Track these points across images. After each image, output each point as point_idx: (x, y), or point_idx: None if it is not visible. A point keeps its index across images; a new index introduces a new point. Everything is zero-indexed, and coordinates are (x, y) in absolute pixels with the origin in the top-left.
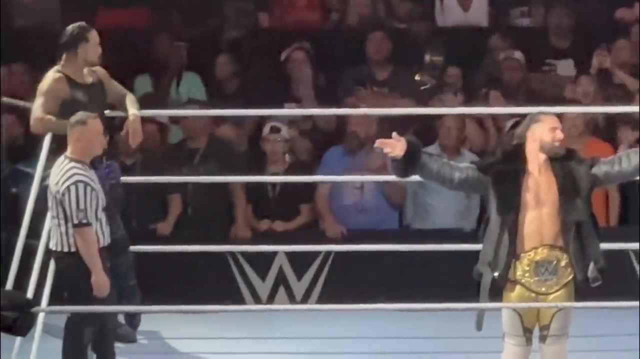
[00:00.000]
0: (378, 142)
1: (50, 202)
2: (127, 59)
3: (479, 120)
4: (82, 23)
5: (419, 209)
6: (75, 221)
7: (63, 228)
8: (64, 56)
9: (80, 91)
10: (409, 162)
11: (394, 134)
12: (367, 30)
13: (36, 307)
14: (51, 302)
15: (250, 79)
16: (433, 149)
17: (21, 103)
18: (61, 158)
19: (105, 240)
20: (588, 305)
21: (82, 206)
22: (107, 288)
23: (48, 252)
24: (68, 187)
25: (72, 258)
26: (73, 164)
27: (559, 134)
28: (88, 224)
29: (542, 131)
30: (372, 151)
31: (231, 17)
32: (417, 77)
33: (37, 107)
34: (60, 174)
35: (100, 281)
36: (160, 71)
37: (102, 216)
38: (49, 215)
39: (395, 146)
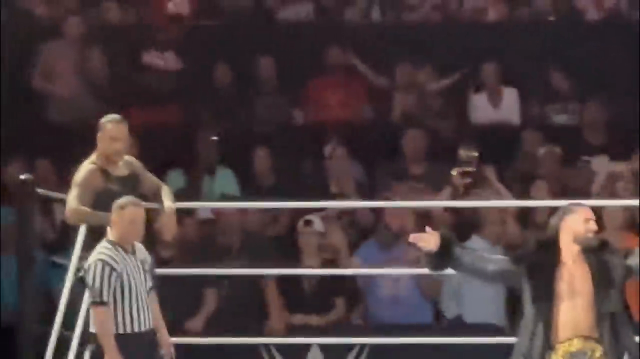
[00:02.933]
0: (412, 237)
1: None
2: (161, 154)
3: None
4: (108, 115)
5: (461, 302)
6: (90, 299)
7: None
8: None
9: (114, 182)
10: (442, 256)
11: (427, 228)
12: (401, 127)
13: None
14: None
15: (285, 174)
16: (476, 241)
17: (56, 195)
18: (103, 241)
19: (136, 326)
20: None
21: (97, 285)
22: None
23: (83, 343)
24: (89, 266)
25: (95, 338)
26: (105, 244)
27: (592, 226)
28: (102, 303)
29: (576, 222)
30: (407, 244)
31: (264, 113)
32: (453, 172)
33: (72, 198)
34: (92, 255)
35: None
36: (194, 166)
37: (131, 301)
38: (83, 306)
39: (429, 240)
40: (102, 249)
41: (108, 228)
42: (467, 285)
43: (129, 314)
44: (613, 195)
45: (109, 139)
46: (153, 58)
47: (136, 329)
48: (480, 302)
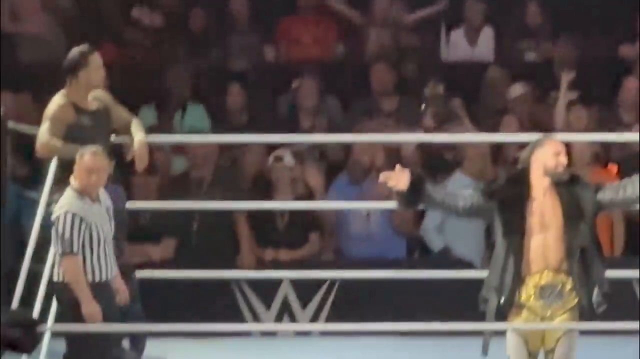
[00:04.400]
0: (382, 176)
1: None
2: (132, 90)
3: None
4: (84, 47)
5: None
6: (60, 251)
7: (57, 257)
8: (67, 81)
9: (86, 116)
10: (413, 194)
11: (397, 165)
12: (372, 63)
13: (41, 325)
14: None
15: (257, 110)
16: (458, 177)
17: (26, 128)
18: (67, 189)
19: (103, 274)
20: (591, 327)
21: (67, 236)
22: (99, 318)
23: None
24: (57, 217)
25: (64, 288)
26: (70, 192)
27: (562, 159)
28: (73, 253)
29: (546, 155)
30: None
31: (236, 51)
32: (422, 108)
33: (43, 132)
34: (58, 204)
35: (91, 310)
36: (165, 103)
37: (99, 249)
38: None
39: (399, 178)
40: (69, 199)
41: (72, 176)
42: (449, 220)
43: (97, 263)
44: (576, 129)
45: (97, 68)
46: (142, 15)
47: (104, 278)
48: (465, 235)
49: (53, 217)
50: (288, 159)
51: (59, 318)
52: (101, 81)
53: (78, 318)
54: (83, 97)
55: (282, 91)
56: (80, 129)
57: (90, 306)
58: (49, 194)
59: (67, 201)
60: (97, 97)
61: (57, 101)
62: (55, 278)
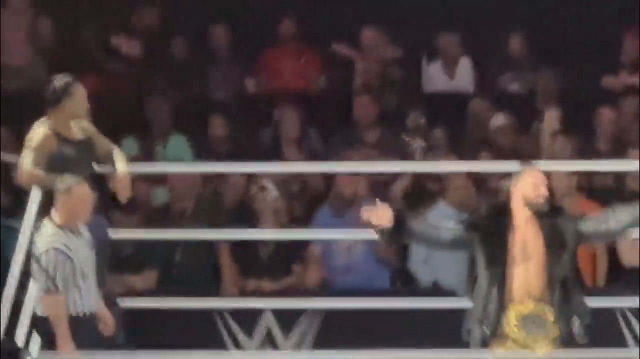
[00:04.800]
0: (364, 214)
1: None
2: (114, 122)
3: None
4: (67, 77)
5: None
6: (43, 287)
7: (40, 292)
8: (50, 110)
9: (69, 146)
10: (396, 231)
11: (378, 201)
12: (354, 94)
13: (26, 354)
14: None
15: (239, 141)
16: (441, 207)
17: (11, 158)
18: (45, 221)
19: (86, 308)
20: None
21: (51, 274)
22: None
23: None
24: (41, 254)
25: (45, 321)
26: (52, 228)
27: (542, 190)
28: (56, 291)
29: (525, 186)
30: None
31: (218, 81)
32: (404, 138)
33: (25, 161)
34: (40, 239)
35: (66, 349)
36: (147, 133)
37: (82, 283)
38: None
39: (381, 215)
40: (51, 235)
41: (53, 210)
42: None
43: (78, 296)
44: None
45: (82, 99)
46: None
47: (86, 311)
48: (452, 267)
49: (35, 251)
50: (272, 189)
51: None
52: (85, 111)
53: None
54: (66, 127)
55: (264, 122)
56: (63, 159)
57: (66, 345)
58: (34, 224)
59: (50, 236)
60: (81, 127)
61: (40, 129)
62: (38, 312)
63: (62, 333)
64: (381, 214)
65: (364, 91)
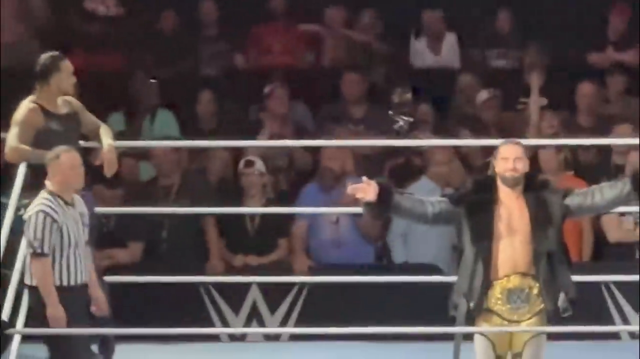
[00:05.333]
0: (350, 189)
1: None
2: (103, 98)
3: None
4: (55, 53)
5: (396, 242)
6: (30, 250)
7: (28, 260)
8: (37, 86)
9: (55, 121)
10: (382, 205)
11: (364, 178)
12: (342, 70)
13: (10, 328)
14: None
15: (227, 117)
16: (423, 183)
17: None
18: (42, 191)
19: (72, 279)
20: (557, 330)
21: (38, 236)
22: (63, 322)
23: (22, 281)
24: (30, 216)
25: (35, 292)
26: (45, 194)
27: (512, 164)
28: (43, 254)
29: (499, 161)
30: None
31: (206, 58)
32: (390, 114)
33: (12, 137)
34: (32, 204)
35: (55, 314)
36: (134, 109)
37: (70, 253)
38: (23, 242)
39: (367, 190)
40: (42, 200)
41: (46, 180)
42: (414, 227)
43: (66, 267)
44: (546, 135)
45: (69, 74)
46: (96, 4)
47: (72, 283)
48: (426, 244)
49: (25, 216)
50: (259, 164)
51: (28, 321)
52: (72, 87)
53: (45, 320)
54: (52, 102)
55: (253, 98)
56: (49, 134)
57: (54, 309)
58: (18, 199)
59: (40, 201)
60: (66, 102)
61: (26, 105)
62: (27, 281)
63: (51, 298)
64: (366, 189)
65: (349, 66)
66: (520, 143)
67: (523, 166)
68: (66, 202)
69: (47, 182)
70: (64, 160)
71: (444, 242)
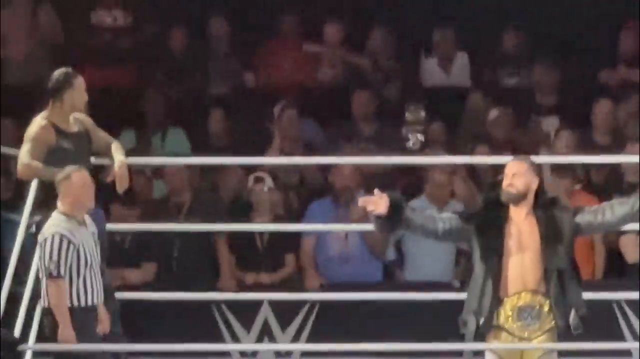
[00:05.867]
0: (361, 201)
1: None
2: (112, 114)
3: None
4: (68, 69)
5: (406, 260)
6: (46, 272)
7: (44, 283)
8: (50, 103)
9: (66, 139)
10: (392, 219)
11: (376, 190)
12: (353, 88)
13: (23, 345)
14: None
15: (238, 135)
16: (420, 202)
17: (11, 151)
18: (53, 212)
19: (89, 299)
20: (567, 347)
21: (54, 258)
22: (73, 341)
23: (34, 298)
24: (45, 239)
25: (50, 314)
26: (59, 216)
27: (507, 180)
28: (59, 276)
29: (504, 177)
30: (355, 204)
31: (217, 76)
32: (403, 131)
33: (24, 153)
34: (46, 227)
35: (67, 336)
36: (145, 126)
37: (87, 274)
38: (35, 259)
39: (378, 203)
40: (57, 221)
41: (58, 201)
42: (412, 243)
43: (83, 287)
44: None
45: (82, 91)
46: (102, 17)
47: (89, 303)
48: (427, 260)
49: (40, 239)
50: (268, 181)
51: (40, 340)
52: (84, 104)
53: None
54: (65, 120)
55: (263, 116)
56: (60, 152)
57: (66, 331)
58: (29, 216)
59: (54, 223)
60: (77, 119)
61: (38, 122)
62: (43, 304)
63: (63, 319)
64: (378, 202)
65: (360, 84)
66: (527, 160)
67: (522, 183)
68: (79, 222)
69: (59, 203)
70: (75, 180)
71: (451, 258)
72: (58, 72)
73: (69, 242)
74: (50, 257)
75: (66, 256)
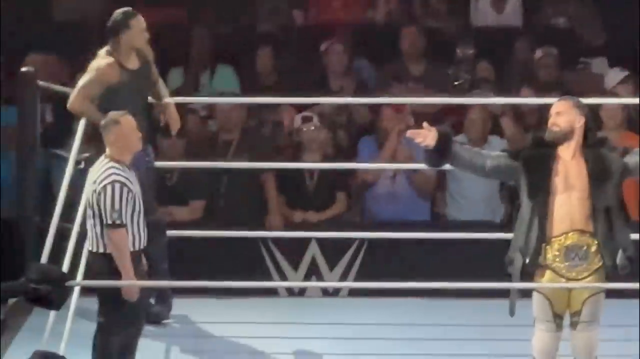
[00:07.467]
0: (409, 133)
1: (88, 201)
2: (162, 52)
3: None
4: (127, 9)
5: (451, 200)
6: (109, 221)
7: (98, 229)
8: (109, 42)
9: (129, 76)
10: (440, 152)
11: (425, 124)
12: (401, 27)
13: (70, 281)
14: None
15: (286, 73)
16: (460, 139)
17: (59, 88)
18: (101, 158)
19: (142, 243)
20: (616, 287)
21: (117, 207)
22: (137, 293)
23: (82, 234)
24: (105, 187)
25: (105, 260)
26: (112, 164)
27: (552, 119)
28: (122, 225)
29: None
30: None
31: (265, 14)
32: (450, 72)
33: (81, 86)
34: (99, 173)
35: (130, 284)
36: (194, 65)
37: (139, 219)
38: (83, 196)
39: (426, 135)
40: (113, 169)
41: (107, 149)
42: (468, 185)
43: (137, 232)
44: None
45: (140, 31)
46: None
47: (141, 246)
48: (471, 200)
49: (99, 186)
50: (316, 120)
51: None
52: (144, 43)
53: (117, 291)
54: (125, 57)
55: (312, 55)
56: (121, 88)
57: (129, 279)
58: (77, 153)
59: (110, 171)
60: (140, 52)
61: (103, 57)
62: (93, 249)
63: (126, 268)
64: (426, 134)
65: (409, 23)
66: (572, 99)
67: (565, 121)
68: (128, 167)
69: (108, 148)
70: (125, 124)
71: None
72: (117, 13)
73: (129, 190)
74: (112, 206)
75: (127, 204)
